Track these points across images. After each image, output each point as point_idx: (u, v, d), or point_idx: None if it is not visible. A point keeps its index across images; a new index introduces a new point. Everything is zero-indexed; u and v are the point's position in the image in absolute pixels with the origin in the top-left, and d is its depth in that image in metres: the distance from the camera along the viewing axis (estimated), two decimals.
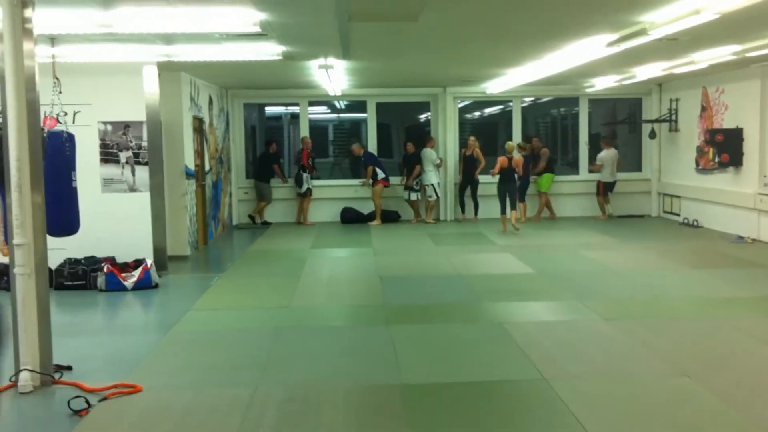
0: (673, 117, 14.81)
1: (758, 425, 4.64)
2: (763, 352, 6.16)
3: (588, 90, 15.09)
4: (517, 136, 15.75)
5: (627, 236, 12.72)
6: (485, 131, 16.96)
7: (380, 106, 15.98)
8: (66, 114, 7.26)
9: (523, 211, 14.72)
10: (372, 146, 15.78)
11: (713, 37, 8.65)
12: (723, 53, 9.79)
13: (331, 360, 6.16)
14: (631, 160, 16.02)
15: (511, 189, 13.60)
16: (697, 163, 13.79)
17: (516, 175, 13.71)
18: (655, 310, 7.63)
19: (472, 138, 15.17)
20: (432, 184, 15.00)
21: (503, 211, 13.53)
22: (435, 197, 15.18)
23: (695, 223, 13.79)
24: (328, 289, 9.10)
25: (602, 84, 14.13)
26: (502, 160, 13.39)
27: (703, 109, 13.65)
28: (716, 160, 12.82)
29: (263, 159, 15.20)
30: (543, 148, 15.46)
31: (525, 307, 7.94)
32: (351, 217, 15.33)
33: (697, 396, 5.13)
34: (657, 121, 15.20)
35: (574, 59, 10.05)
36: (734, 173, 12.60)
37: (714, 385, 5.28)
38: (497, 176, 13.48)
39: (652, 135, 15.34)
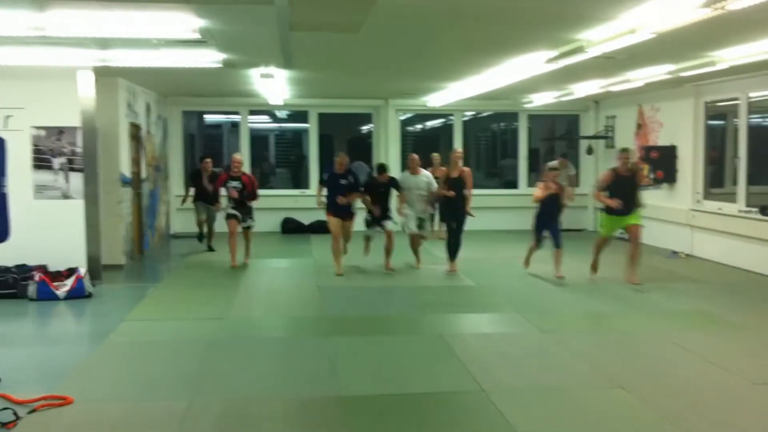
0: (610, 134, 15.12)
1: None
2: (696, 364, 6.28)
3: (527, 105, 15.31)
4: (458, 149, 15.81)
5: (564, 250, 12.84)
6: (427, 145, 17.00)
7: (323, 117, 15.90)
8: None
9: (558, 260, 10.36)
10: (314, 158, 15.71)
11: (649, 57, 8.86)
12: (658, 72, 10.04)
13: (269, 372, 6.06)
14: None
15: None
16: None
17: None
18: (591, 322, 7.76)
19: (459, 151, 10.94)
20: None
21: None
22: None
23: None
24: (267, 300, 8.98)
25: (541, 100, 14.35)
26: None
27: (639, 126, 13.97)
28: (651, 176, 13.12)
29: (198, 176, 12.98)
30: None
31: (465, 319, 7.98)
32: (292, 228, 15.24)
33: (632, 407, 5.20)
34: (594, 137, 15.49)
35: (513, 75, 10.17)
36: (669, 190, 12.89)
37: (648, 396, 5.36)
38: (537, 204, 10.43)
39: (589, 151, 15.63)
